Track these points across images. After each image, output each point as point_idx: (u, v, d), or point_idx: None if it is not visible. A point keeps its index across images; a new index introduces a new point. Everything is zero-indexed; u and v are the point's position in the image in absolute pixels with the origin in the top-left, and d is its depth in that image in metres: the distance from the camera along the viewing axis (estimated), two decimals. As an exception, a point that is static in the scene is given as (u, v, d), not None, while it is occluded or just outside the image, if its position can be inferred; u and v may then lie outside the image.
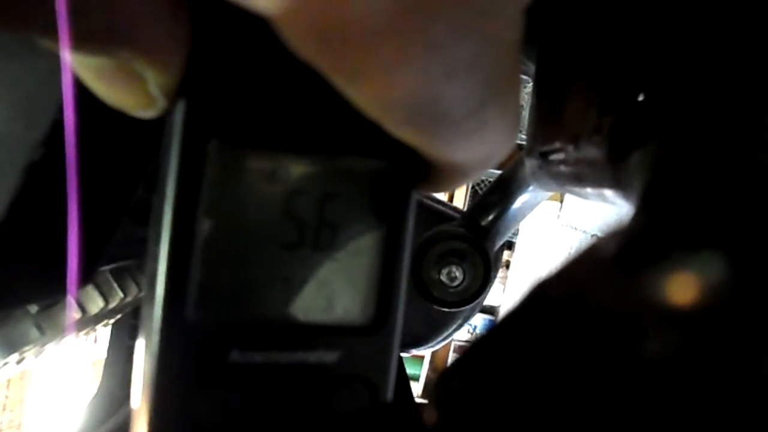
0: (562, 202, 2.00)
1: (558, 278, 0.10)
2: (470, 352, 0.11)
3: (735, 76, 0.15)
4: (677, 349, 0.08)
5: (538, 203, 0.51)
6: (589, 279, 0.10)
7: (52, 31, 0.11)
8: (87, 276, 0.28)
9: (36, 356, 0.32)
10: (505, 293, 2.45)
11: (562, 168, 0.27)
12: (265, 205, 0.14)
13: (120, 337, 0.51)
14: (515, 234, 2.33)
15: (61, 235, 0.14)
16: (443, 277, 0.48)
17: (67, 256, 0.14)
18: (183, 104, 0.13)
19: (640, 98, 0.18)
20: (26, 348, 0.29)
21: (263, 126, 0.14)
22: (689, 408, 0.08)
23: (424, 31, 0.09)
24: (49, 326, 0.30)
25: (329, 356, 0.15)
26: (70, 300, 0.31)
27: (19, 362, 0.31)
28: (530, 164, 0.33)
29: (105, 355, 0.52)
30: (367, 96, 0.11)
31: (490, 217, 0.50)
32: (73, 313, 0.33)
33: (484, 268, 0.48)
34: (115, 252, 0.31)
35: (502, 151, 0.13)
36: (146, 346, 0.14)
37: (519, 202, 0.49)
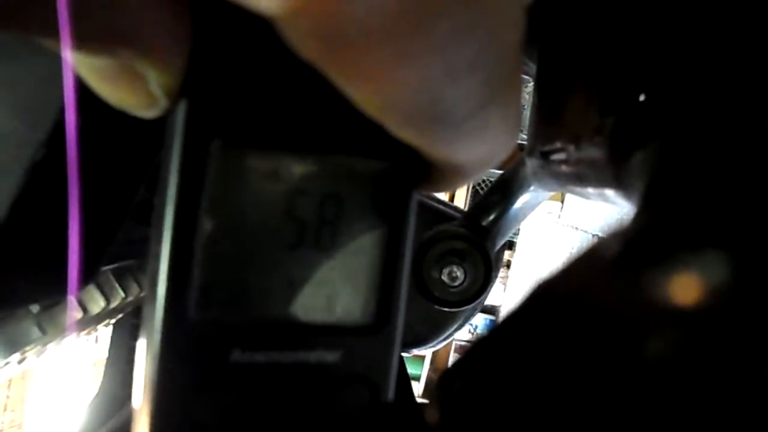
0: (563, 202, 2.00)
1: (560, 278, 0.10)
2: (472, 351, 0.11)
3: (736, 75, 0.15)
4: (680, 349, 0.08)
5: (539, 203, 0.51)
6: (592, 279, 0.10)
7: (54, 32, 0.11)
8: (88, 276, 0.28)
9: (37, 356, 0.32)
10: (506, 293, 2.44)
11: (564, 168, 0.27)
12: (267, 205, 0.14)
13: (121, 337, 0.51)
14: (516, 234, 2.32)
15: (63, 235, 0.14)
16: (444, 277, 0.48)
17: (68, 256, 0.14)
18: (185, 104, 0.13)
19: (642, 98, 0.18)
20: (28, 348, 0.29)
21: (265, 126, 0.14)
22: (691, 408, 0.08)
23: (426, 32, 0.09)
24: (50, 326, 0.30)
25: (330, 356, 0.15)
26: (72, 300, 0.31)
27: (20, 362, 0.31)
28: (531, 164, 0.33)
29: (106, 355, 0.52)
30: (368, 96, 0.11)
31: (491, 217, 0.50)
32: (75, 313, 0.33)
33: (485, 267, 0.48)
34: (116, 252, 0.31)
35: (504, 152, 0.13)
36: (147, 346, 0.14)
37: (520, 202, 0.49)
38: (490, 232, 0.50)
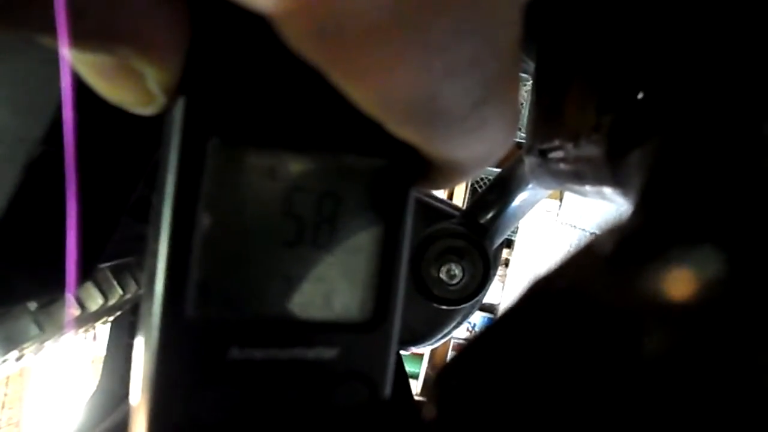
0: (561, 200, 2.00)
1: (556, 275, 0.10)
2: (469, 348, 0.11)
3: (734, 74, 0.15)
4: (674, 344, 0.08)
5: (538, 201, 0.51)
6: (588, 275, 0.10)
7: (53, 30, 0.11)
8: (86, 273, 0.28)
9: (35, 353, 0.32)
10: (505, 291, 2.45)
11: (562, 166, 0.27)
12: (264, 202, 0.14)
13: (119, 335, 0.51)
14: (514, 232, 2.32)
15: (60, 232, 0.14)
16: (442, 275, 0.48)
17: (66, 253, 0.14)
18: (182, 101, 0.13)
19: (640, 96, 0.18)
20: (25, 345, 0.29)
21: (262, 123, 0.14)
22: (687, 403, 0.08)
23: (424, 30, 0.09)
24: (48, 323, 0.30)
25: (328, 353, 0.15)
26: (69, 297, 0.31)
27: (18, 359, 0.31)
28: (529, 162, 0.33)
29: (104, 352, 0.52)
30: (366, 94, 0.11)
31: (489, 215, 0.50)
32: (73, 311, 0.33)
33: (483, 265, 0.48)
34: (114, 249, 0.30)
35: (501, 149, 0.13)
36: (145, 343, 0.14)
37: (518, 200, 0.49)
38: (489, 230, 0.50)
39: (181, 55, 0.12)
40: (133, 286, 0.37)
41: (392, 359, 0.16)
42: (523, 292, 0.11)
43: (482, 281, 0.49)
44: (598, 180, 0.22)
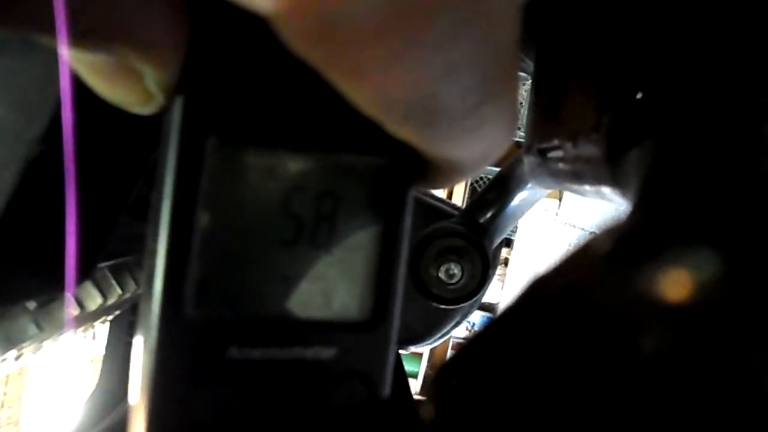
0: (560, 199, 2.00)
1: (554, 274, 0.10)
2: (467, 348, 0.11)
3: (733, 73, 0.15)
4: (671, 345, 0.08)
5: (537, 201, 0.51)
6: (585, 275, 0.10)
7: (51, 28, 0.11)
8: (85, 272, 0.28)
9: (34, 352, 0.32)
10: (504, 290, 2.45)
11: (561, 166, 0.27)
12: (263, 201, 0.14)
13: (118, 334, 0.51)
14: (514, 231, 2.32)
15: (59, 231, 0.14)
16: (441, 275, 0.48)
17: (65, 252, 0.14)
18: (181, 101, 0.13)
19: (639, 96, 0.18)
20: (24, 344, 0.29)
21: (261, 123, 0.14)
22: (684, 403, 0.08)
23: (421, 29, 0.09)
24: (47, 323, 0.30)
25: (326, 352, 0.15)
26: (69, 297, 0.31)
27: (17, 358, 0.31)
28: (529, 162, 0.33)
29: (103, 351, 0.52)
30: (364, 94, 0.11)
31: (489, 215, 0.50)
32: (72, 310, 0.33)
33: (483, 265, 0.48)
34: (113, 248, 0.30)
35: (500, 149, 0.13)
36: (144, 342, 0.14)
37: (517, 200, 0.49)
38: (488, 230, 0.50)
39: (180, 54, 0.12)
40: (132, 286, 0.37)
41: (391, 359, 0.16)
42: (521, 292, 0.11)
43: (481, 280, 0.49)
44: (597, 180, 0.22)
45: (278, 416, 0.15)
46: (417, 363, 2.66)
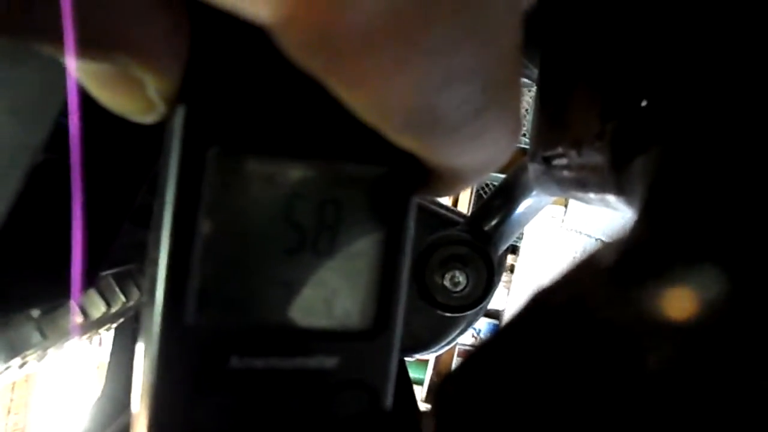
0: (566, 206, 1.99)
1: (557, 287, 0.10)
2: (468, 361, 0.11)
3: (739, 81, 0.14)
4: (674, 363, 0.08)
5: (542, 208, 0.50)
6: (588, 289, 0.10)
7: (51, 38, 0.11)
8: (89, 280, 0.28)
9: (38, 360, 0.32)
10: (510, 297, 2.44)
11: (566, 173, 0.27)
12: (265, 210, 0.14)
13: (123, 341, 0.51)
14: (520, 238, 2.32)
15: (62, 239, 0.14)
16: (446, 282, 0.48)
17: (68, 260, 0.14)
18: (182, 110, 0.13)
19: (643, 104, 0.18)
20: (28, 352, 0.29)
21: (262, 131, 0.14)
22: (686, 422, 0.07)
23: (421, 38, 0.09)
24: (51, 330, 0.30)
25: (329, 361, 0.15)
26: (74, 304, 0.31)
27: (21, 366, 0.31)
28: (533, 169, 0.33)
29: (108, 359, 0.52)
30: (364, 103, 0.11)
31: (494, 222, 0.50)
32: (76, 318, 0.33)
33: (488, 272, 0.48)
34: (117, 256, 0.31)
35: (503, 156, 0.13)
36: (146, 351, 0.14)
37: (522, 207, 0.49)
38: (493, 237, 0.50)
39: (181, 63, 0.12)
40: (135, 294, 0.37)
41: (394, 367, 0.15)
42: (524, 305, 0.11)
43: (486, 288, 0.48)
44: (602, 188, 0.22)
45: (280, 426, 0.14)
46: (423, 370, 2.65)
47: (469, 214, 0.54)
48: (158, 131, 0.13)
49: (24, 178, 0.20)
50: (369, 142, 0.13)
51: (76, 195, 0.13)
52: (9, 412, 1.86)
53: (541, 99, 0.32)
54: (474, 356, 0.11)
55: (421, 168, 0.14)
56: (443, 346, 0.58)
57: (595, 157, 0.21)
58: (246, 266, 0.14)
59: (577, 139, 0.23)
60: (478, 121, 0.11)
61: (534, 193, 0.47)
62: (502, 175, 0.51)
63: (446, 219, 0.53)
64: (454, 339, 0.58)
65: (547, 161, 0.30)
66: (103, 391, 0.51)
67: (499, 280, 0.51)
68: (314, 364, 0.15)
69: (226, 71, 0.13)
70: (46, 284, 0.24)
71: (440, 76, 0.10)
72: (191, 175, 0.13)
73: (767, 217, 0.09)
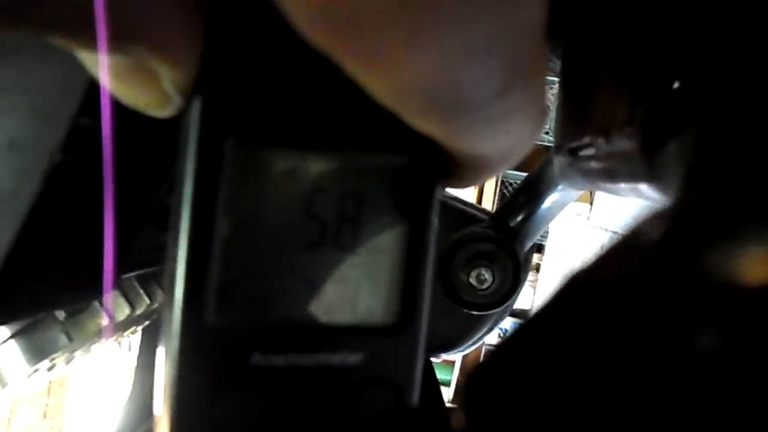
0: (592, 203, 1.97)
1: (596, 266, 0.10)
2: (498, 351, 0.11)
3: None
4: (741, 337, 0.07)
5: (568, 203, 0.49)
6: (635, 263, 0.09)
7: (65, 30, 0.11)
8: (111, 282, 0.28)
9: (66, 363, 0.33)
10: (536, 296, 2.41)
11: (593, 164, 0.27)
12: (285, 204, 0.14)
13: (150, 343, 0.51)
14: (545, 236, 2.29)
15: (81, 239, 0.14)
16: (472, 280, 0.47)
17: (87, 261, 0.14)
18: (199, 102, 0.13)
19: (676, 85, 0.17)
20: (56, 355, 0.30)
21: (281, 123, 0.13)
22: (748, 408, 0.07)
23: (439, 8, 0.09)
24: (77, 333, 0.30)
25: (353, 357, 0.14)
26: (105, 304, 0.32)
27: (50, 369, 0.31)
28: (559, 162, 0.33)
29: (135, 362, 0.53)
30: (382, 82, 0.10)
31: (519, 218, 0.49)
32: (103, 320, 0.33)
33: (514, 269, 0.47)
34: (140, 258, 0.31)
35: (528, 143, 0.13)
36: (166, 350, 0.13)
37: (548, 202, 0.48)
38: (519, 234, 0.49)
39: (196, 54, 0.12)
40: (159, 296, 0.37)
41: (419, 364, 0.15)
42: (559, 287, 0.10)
43: (513, 286, 0.47)
44: (633, 176, 0.21)
45: (303, 424, 0.14)
46: (450, 371, 2.64)
47: (494, 210, 0.53)
48: (178, 132, 0.13)
49: (44, 180, 0.20)
50: (389, 130, 0.13)
51: (108, 194, 0.13)
52: (45, 416, 1.91)
53: (565, 90, 0.31)
54: (504, 345, 0.11)
55: (444, 157, 0.13)
56: (469, 346, 0.57)
57: (625, 144, 0.20)
58: (266, 262, 0.14)
59: (605, 127, 0.23)
60: (501, 103, 0.11)
61: (560, 187, 0.46)
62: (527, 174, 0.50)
63: (471, 216, 0.53)
64: (480, 338, 0.57)
65: (573, 153, 0.29)
66: (131, 394, 0.52)
67: (525, 277, 0.50)
68: (337, 361, 0.14)
69: (243, 61, 0.13)
70: (69, 285, 0.24)
71: (459, 50, 0.09)
72: (209, 169, 0.13)
73: None
